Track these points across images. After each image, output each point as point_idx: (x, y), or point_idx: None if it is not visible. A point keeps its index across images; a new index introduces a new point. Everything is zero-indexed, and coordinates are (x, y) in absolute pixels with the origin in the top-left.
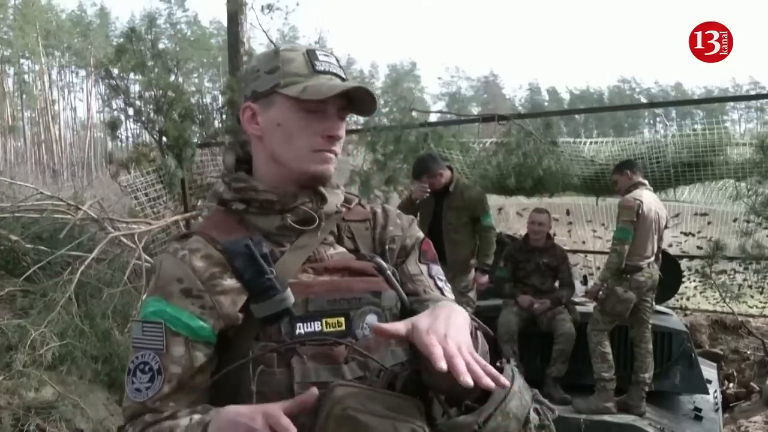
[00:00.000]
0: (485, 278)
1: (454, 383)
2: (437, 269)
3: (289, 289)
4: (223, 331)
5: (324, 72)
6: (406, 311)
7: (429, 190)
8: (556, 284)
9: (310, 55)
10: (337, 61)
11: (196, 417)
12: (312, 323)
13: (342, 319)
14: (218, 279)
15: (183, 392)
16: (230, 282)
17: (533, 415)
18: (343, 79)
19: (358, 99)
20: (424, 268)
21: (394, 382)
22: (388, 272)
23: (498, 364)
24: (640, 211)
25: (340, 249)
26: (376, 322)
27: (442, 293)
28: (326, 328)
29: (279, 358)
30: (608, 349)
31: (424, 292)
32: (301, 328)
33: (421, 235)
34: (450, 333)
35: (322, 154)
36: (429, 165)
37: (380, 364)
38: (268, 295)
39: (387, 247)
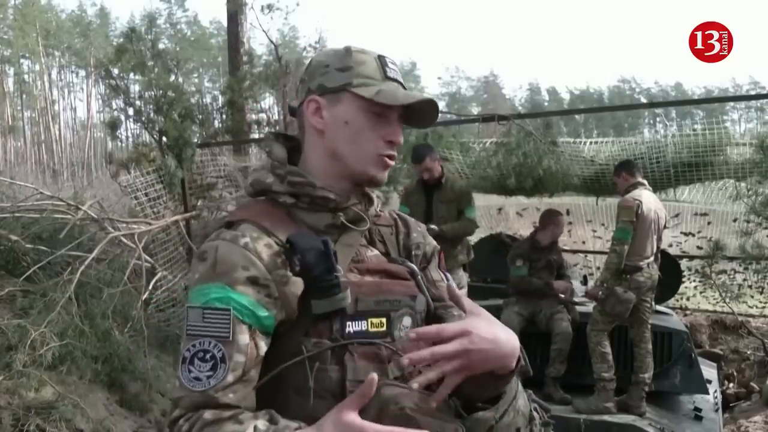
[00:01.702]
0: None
1: (472, 386)
2: (451, 277)
3: (348, 289)
4: (278, 324)
5: (393, 79)
6: (430, 316)
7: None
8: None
9: (382, 60)
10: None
11: (264, 425)
12: (360, 322)
13: (384, 320)
14: (284, 270)
15: (242, 383)
16: (292, 274)
17: (534, 413)
18: (404, 87)
19: (418, 111)
20: (443, 275)
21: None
22: (419, 277)
23: None
24: (639, 211)
25: (375, 251)
26: (410, 324)
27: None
28: (371, 327)
29: (332, 356)
30: (608, 349)
31: (448, 299)
32: (350, 327)
33: (437, 244)
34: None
35: (383, 159)
36: (431, 148)
37: (416, 367)
38: (332, 292)
39: (413, 252)
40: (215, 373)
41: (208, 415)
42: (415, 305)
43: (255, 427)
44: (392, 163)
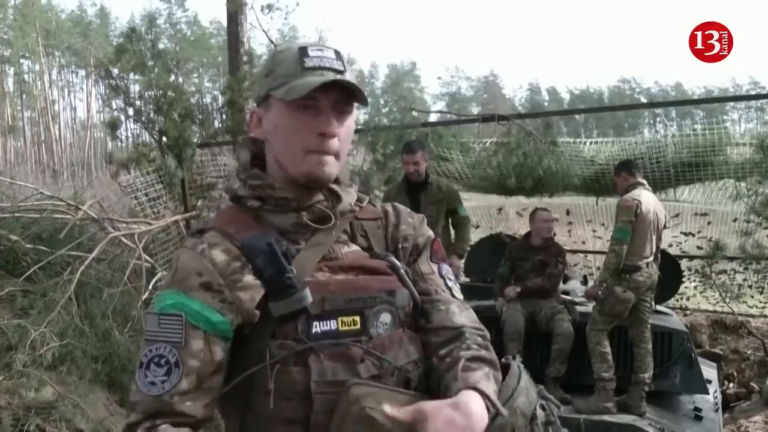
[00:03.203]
0: (460, 261)
1: None
2: (447, 268)
3: (307, 288)
4: (238, 328)
5: (314, 68)
6: (417, 310)
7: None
8: (561, 284)
9: (301, 52)
10: (337, 54)
11: None
12: (328, 322)
13: (357, 318)
14: (238, 274)
15: (200, 391)
16: (249, 278)
17: (539, 412)
18: (340, 72)
19: (353, 90)
20: (435, 267)
21: (408, 380)
22: (401, 271)
23: (503, 360)
24: (638, 211)
25: (354, 247)
26: (390, 320)
27: (452, 293)
28: (341, 326)
29: (296, 357)
30: (608, 349)
31: (435, 292)
32: (317, 327)
33: (431, 234)
34: None
35: (314, 155)
36: (424, 146)
37: (393, 365)
38: (287, 293)
39: (400, 245)
40: (169, 377)
41: (162, 426)
42: (395, 300)
43: None
44: (328, 157)
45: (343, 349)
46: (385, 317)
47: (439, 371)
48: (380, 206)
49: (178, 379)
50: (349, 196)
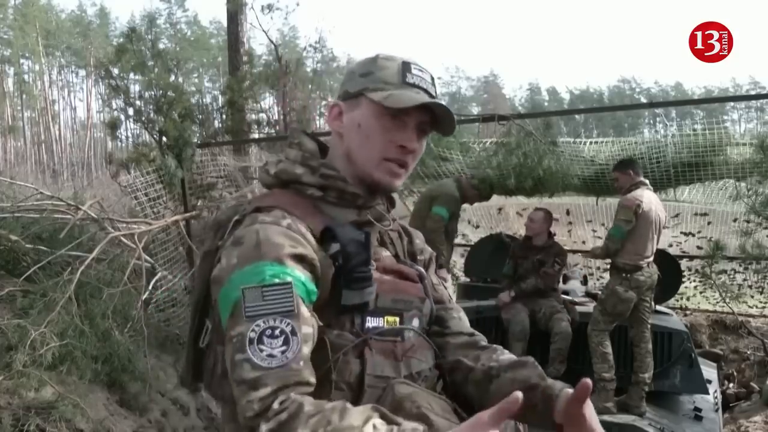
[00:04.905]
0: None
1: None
2: (444, 281)
3: (375, 284)
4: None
5: (413, 85)
6: (432, 317)
7: None
8: (561, 284)
9: (404, 66)
10: (432, 78)
11: (380, 424)
12: (378, 318)
13: (397, 319)
14: (322, 253)
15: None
16: (329, 261)
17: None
18: (432, 96)
19: (440, 117)
20: (440, 279)
21: (434, 384)
22: (426, 281)
23: None
24: (639, 211)
25: (387, 252)
26: (418, 325)
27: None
28: (386, 325)
29: (353, 348)
30: (609, 350)
31: (449, 301)
32: (370, 322)
33: (432, 250)
34: None
35: (390, 164)
36: None
37: (428, 367)
38: (363, 285)
39: (418, 258)
40: (289, 346)
41: (308, 407)
42: (423, 307)
43: (374, 426)
44: (401, 170)
45: (390, 347)
46: (416, 322)
47: (478, 374)
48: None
49: (298, 347)
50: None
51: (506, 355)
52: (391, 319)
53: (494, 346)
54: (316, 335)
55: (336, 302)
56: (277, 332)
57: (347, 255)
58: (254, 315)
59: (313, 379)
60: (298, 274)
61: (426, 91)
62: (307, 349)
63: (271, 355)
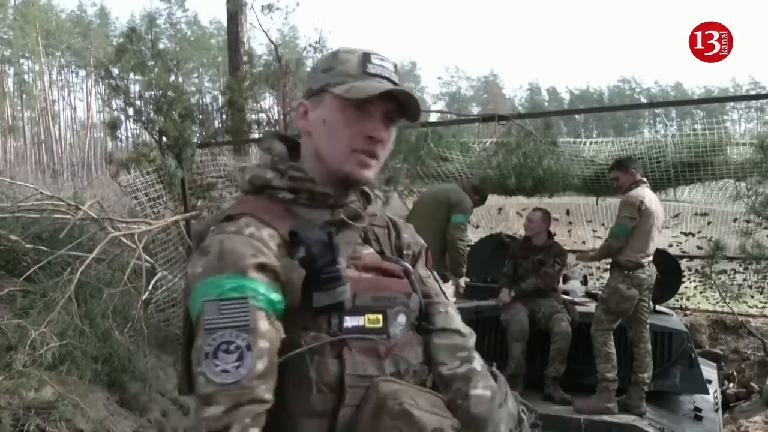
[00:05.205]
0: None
1: None
2: (435, 275)
3: (348, 283)
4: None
5: (374, 75)
6: (420, 312)
7: None
8: (561, 284)
9: (365, 57)
10: (394, 67)
11: None
12: (358, 318)
13: (380, 317)
14: (287, 258)
15: (270, 374)
16: (296, 264)
17: (522, 415)
18: (395, 84)
19: (405, 104)
20: (430, 272)
21: (424, 381)
22: (413, 276)
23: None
24: (643, 208)
25: (369, 249)
26: (405, 321)
27: (445, 296)
28: (367, 323)
29: (330, 349)
30: (613, 350)
31: (435, 295)
32: (348, 322)
33: (424, 242)
34: None
35: (359, 156)
36: None
37: (413, 364)
38: (333, 285)
39: (404, 252)
40: (243, 362)
41: (246, 418)
42: (410, 303)
43: None
44: (371, 160)
45: (372, 345)
46: (402, 318)
47: (446, 378)
48: (383, 215)
49: (253, 362)
50: (378, 202)
51: (478, 390)
52: (372, 317)
53: (474, 371)
54: (278, 347)
55: (309, 305)
56: (232, 347)
57: (312, 257)
58: (212, 328)
59: (268, 396)
60: (259, 285)
61: (389, 79)
62: (262, 365)
63: (225, 371)
